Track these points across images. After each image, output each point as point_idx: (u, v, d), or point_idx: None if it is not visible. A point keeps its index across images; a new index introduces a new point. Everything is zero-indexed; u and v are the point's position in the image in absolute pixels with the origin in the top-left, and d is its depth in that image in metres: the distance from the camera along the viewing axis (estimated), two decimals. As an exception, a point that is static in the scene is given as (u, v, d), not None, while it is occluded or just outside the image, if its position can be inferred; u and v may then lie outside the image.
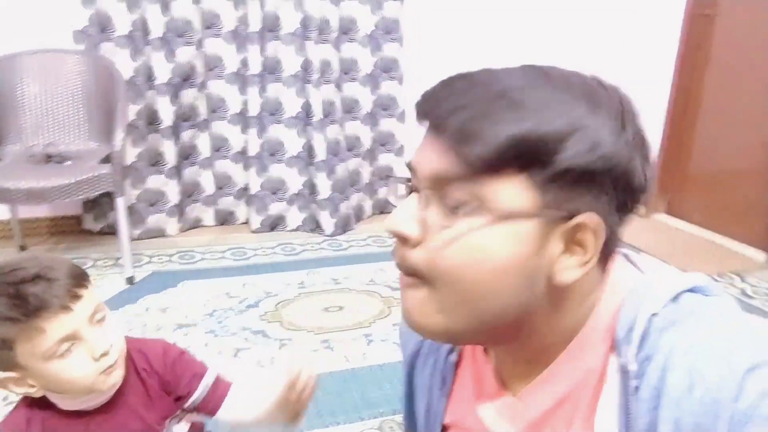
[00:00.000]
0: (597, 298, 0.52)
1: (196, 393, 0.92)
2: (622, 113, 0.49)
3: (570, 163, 0.45)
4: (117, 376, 0.84)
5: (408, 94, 2.84)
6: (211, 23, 2.55)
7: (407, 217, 0.49)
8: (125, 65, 2.38)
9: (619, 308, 0.51)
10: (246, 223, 2.83)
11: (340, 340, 1.82)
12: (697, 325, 0.47)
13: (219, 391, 0.93)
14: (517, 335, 0.51)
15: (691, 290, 0.51)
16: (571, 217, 0.47)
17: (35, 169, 2.09)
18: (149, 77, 2.47)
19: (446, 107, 0.47)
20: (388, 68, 2.82)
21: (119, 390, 0.87)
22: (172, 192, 2.63)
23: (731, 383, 0.42)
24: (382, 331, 1.88)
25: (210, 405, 0.93)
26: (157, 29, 2.41)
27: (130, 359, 0.89)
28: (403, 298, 0.52)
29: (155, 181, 2.59)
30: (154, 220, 2.63)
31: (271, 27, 2.57)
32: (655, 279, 0.52)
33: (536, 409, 0.54)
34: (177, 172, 2.63)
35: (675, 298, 0.50)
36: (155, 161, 2.57)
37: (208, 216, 2.81)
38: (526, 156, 0.45)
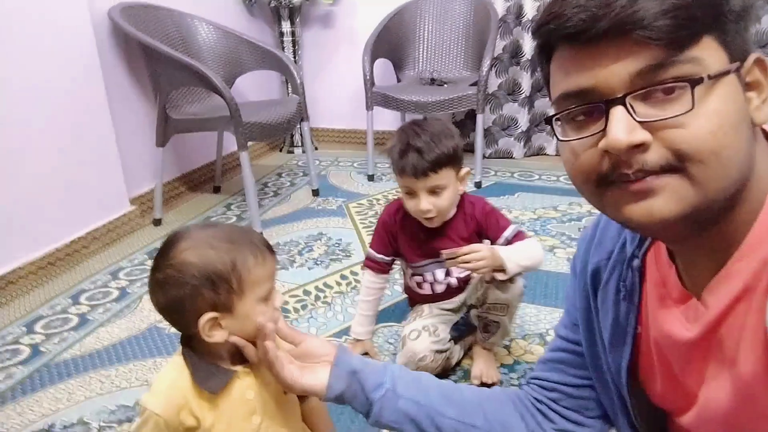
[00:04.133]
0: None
1: (499, 240, 1.34)
2: None
3: (735, 6, 0.48)
4: (437, 222, 1.33)
5: None
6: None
7: (632, 127, 0.48)
8: (499, 5, 2.79)
9: None
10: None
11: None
12: None
13: (514, 240, 1.34)
14: (730, 206, 0.51)
15: None
16: (745, 58, 0.50)
17: (422, 88, 2.72)
18: (518, 16, 2.83)
19: (612, 7, 0.47)
20: None
21: (448, 223, 1.37)
22: (523, 120, 2.99)
23: None
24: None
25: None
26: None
27: (462, 204, 1.37)
28: (649, 196, 0.50)
29: (510, 109, 2.99)
30: (504, 142, 3.05)
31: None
32: None
33: (716, 308, 0.53)
34: (530, 102, 2.97)
35: None
36: (512, 91, 2.97)
37: (550, 145, 3.10)
38: (708, 17, 0.47)
